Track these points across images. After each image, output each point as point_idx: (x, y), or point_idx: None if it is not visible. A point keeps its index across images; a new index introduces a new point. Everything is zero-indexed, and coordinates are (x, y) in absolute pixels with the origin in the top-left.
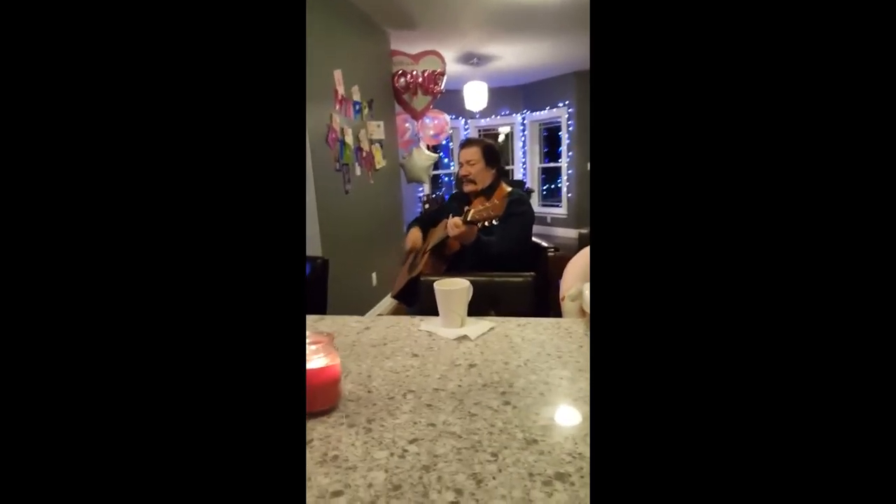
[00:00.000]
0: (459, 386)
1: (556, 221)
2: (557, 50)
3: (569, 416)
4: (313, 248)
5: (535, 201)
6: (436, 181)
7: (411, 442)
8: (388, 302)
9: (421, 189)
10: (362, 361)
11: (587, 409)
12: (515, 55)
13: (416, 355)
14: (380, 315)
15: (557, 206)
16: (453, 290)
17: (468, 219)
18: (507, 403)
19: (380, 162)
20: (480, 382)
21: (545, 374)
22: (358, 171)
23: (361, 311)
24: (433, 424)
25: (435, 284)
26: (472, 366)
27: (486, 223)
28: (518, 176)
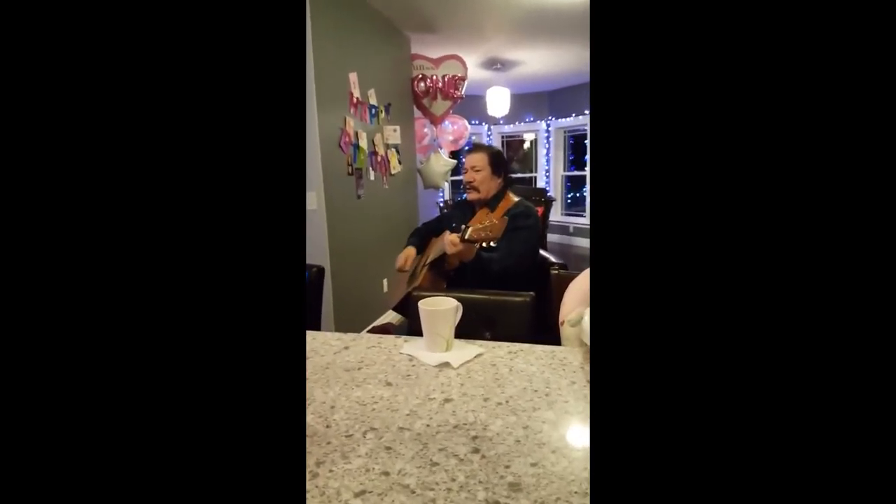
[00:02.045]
0: (427, 426)
1: (579, 231)
2: (584, 56)
3: (543, 472)
4: (321, 253)
5: (557, 210)
6: (457, 186)
7: (357, 495)
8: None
9: (440, 194)
10: (331, 388)
11: (567, 463)
12: (540, 61)
13: (389, 384)
14: (377, 325)
15: (581, 215)
16: (438, 310)
17: (465, 237)
18: (475, 451)
19: (395, 167)
20: (452, 423)
21: (526, 416)
22: (372, 176)
23: (369, 319)
24: (387, 473)
25: (420, 303)
26: (447, 401)
27: (487, 243)
28: (541, 184)
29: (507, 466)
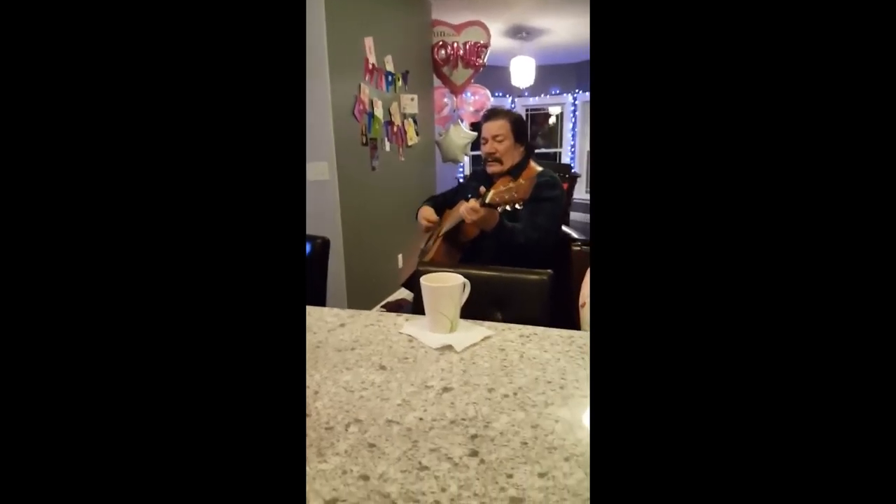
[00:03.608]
0: (420, 419)
1: None
2: None
3: (553, 486)
4: (332, 226)
5: (582, 187)
6: (478, 161)
7: (328, 503)
8: None
9: (461, 169)
10: (317, 371)
11: (582, 475)
12: (568, 29)
13: (383, 368)
14: (391, 300)
15: None
16: (441, 287)
17: (486, 201)
18: (473, 454)
19: (412, 138)
20: (449, 416)
21: (536, 413)
22: (387, 147)
23: (383, 295)
24: (366, 478)
25: (422, 279)
26: (446, 390)
27: (509, 207)
28: (565, 160)
29: (510, 476)
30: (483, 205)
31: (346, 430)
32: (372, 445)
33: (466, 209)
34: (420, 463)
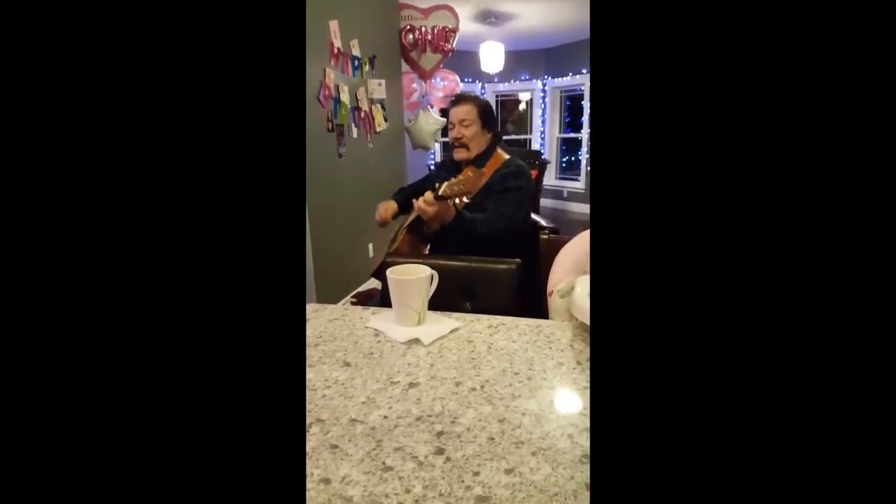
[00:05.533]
0: (385, 417)
1: (574, 196)
2: (583, 11)
3: (520, 482)
4: None
5: (551, 174)
6: (449, 148)
7: None
8: None
9: (432, 155)
10: None
11: (549, 470)
12: (537, 14)
13: (347, 364)
14: (361, 290)
15: (576, 179)
16: (408, 279)
17: (439, 194)
18: (439, 452)
19: (381, 124)
20: (415, 413)
21: (504, 406)
22: (355, 134)
23: (354, 286)
24: (328, 481)
25: (388, 272)
26: (412, 385)
27: (459, 199)
28: (535, 146)
29: (476, 473)
30: (436, 198)
31: (308, 432)
32: (334, 447)
33: (421, 203)
34: (384, 463)
